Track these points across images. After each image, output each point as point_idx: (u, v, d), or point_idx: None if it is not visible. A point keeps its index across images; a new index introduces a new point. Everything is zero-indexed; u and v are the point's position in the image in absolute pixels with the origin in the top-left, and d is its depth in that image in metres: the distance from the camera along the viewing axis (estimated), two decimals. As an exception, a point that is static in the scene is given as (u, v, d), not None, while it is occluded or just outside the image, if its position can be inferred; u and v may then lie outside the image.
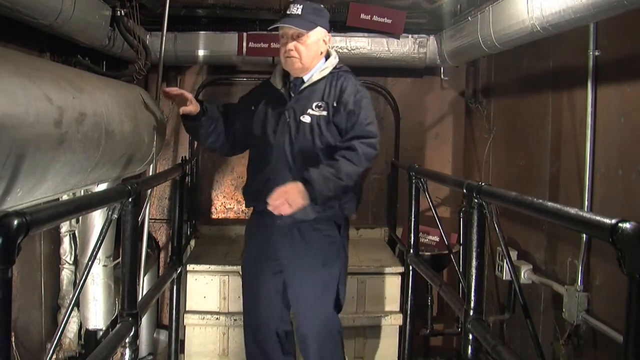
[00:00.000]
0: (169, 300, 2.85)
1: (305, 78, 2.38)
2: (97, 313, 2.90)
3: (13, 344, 2.39)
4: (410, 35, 3.87)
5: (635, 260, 1.01)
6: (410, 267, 2.80)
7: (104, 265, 2.88)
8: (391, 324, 3.43)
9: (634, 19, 2.10)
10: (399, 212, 4.03)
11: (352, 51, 3.85)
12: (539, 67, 3.07)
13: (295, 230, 2.36)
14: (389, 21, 3.70)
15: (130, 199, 1.67)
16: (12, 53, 1.56)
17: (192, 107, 2.33)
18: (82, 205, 1.41)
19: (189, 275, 3.37)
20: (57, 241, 2.98)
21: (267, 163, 2.37)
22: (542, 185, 2.95)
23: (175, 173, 2.69)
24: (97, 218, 2.78)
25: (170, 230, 3.58)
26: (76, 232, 2.97)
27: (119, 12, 2.72)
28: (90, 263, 1.46)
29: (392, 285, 3.46)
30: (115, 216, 1.63)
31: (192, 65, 4.11)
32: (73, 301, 1.42)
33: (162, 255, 4.17)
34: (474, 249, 1.84)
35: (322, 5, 2.41)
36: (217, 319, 3.34)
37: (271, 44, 3.70)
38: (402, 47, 3.88)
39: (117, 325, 1.73)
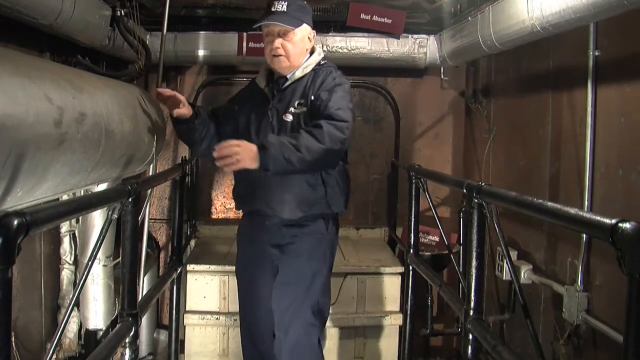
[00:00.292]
0: (169, 300, 2.85)
1: (289, 76, 2.33)
2: (97, 313, 2.90)
3: (13, 344, 2.39)
4: (410, 35, 3.87)
5: (635, 260, 1.01)
6: (410, 267, 2.80)
7: (104, 265, 2.88)
8: (391, 324, 3.43)
9: (634, 19, 2.10)
10: (399, 212, 4.03)
11: (352, 51, 3.85)
12: (539, 67, 3.07)
13: (282, 229, 2.33)
14: (389, 21, 3.70)
15: (130, 199, 1.67)
16: (12, 53, 1.56)
17: (185, 110, 2.26)
18: (82, 205, 1.41)
19: (189, 275, 3.37)
20: (57, 241, 2.98)
21: None
22: (542, 185, 2.95)
23: (175, 173, 2.69)
24: (97, 218, 2.78)
25: (170, 230, 3.58)
26: (76, 232, 2.97)
27: (119, 12, 2.72)
28: (90, 263, 1.46)
29: (392, 285, 3.47)
30: (115, 216, 1.63)
31: (192, 65, 4.11)
32: (73, 301, 1.42)
33: (162, 255, 4.17)
34: (474, 249, 1.84)
35: (305, 2, 2.35)
36: (217, 319, 3.34)
37: (271, 44, 3.69)
38: (402, 47, 3.88)
39: (117, 325, 1.73)
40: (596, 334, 2.38)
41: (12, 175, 1.28)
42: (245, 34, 3.78)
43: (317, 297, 2.33)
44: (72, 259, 3.01)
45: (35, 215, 1.05)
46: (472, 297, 1.85)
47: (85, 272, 1.47)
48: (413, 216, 2.80)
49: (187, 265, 3.36)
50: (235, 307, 3.27)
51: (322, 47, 3.73)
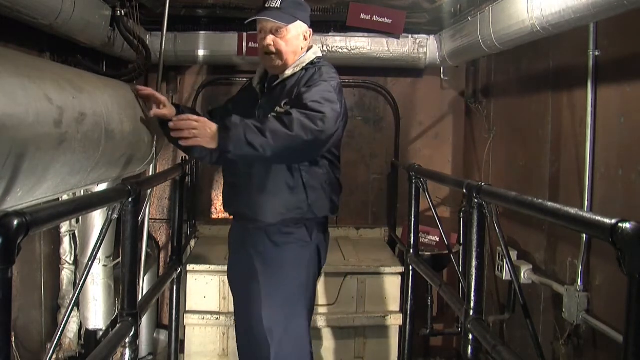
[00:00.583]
0: (169, 300, 2.85)
1: (280, 75, 2.23)
2: (97, 313, 2.91)
3: (13, 344, 2.39)
4: (410, 35, 3.87)
5: (635, 260, 1.01)
6: (410, 267, 2.80)
7: (104, 265, 2.89)
8: (391, 324, 3.43)
9: (634, 19, 2.10)
10: (399, 212, 4.03)
11: (352, 51, 3.85)
12: (539, 67, 3.07)
13: (265, 236, 2.23)
14: (389, 21, 3.70)
15: (130, 199, 1.67)
16: (12, 53, 1.56)
17: (166, 111, 2.11)
18: (82, 205, 1.41)
19: (189, 275, 3.37)
20: (57, 241, 2.98)
21: (235, 167, 2.26)
22: (542, 185, 2.95)
23: (175, 173, 2.69)
24: (97, 218, 2.79)
25: (170, 230, 3.58)
26: (76, 232, 2.98)
27: (119, 12, 2.72)
28: (90, 263, 1.46)
29: (392, 285, 3.47)
30: (115, 216, 1.63)
31: (192, 65, 4.11)
32: (73, 301, 1.42)
33: (162, 255, 4.17)
34: (474, 249, 1.84)
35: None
36: (217, 319, 3.34)
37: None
38: (402, 47, 3.88)
39: (117, 325, 1.73)
40: (596, 334, 2.38)
41: (12, 175, 1.28)
42: (245, 34, 3.78)
43: (302, 311, 2.25)
44: (72, 259, 3.01)
45: (35, 215, 1.05)
46: (472, 297, 1.85)
47: (85, 272, 1.47)
48: (413, 216, 2.80)
49: (187, 265, 3.35)
50: (235, 307, 3.29)
51: (322, 47, 3.73)
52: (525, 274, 2.87)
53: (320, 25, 3.75)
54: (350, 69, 3.87)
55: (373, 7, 3.66)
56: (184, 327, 3.30)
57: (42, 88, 1.41)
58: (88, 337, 3.07)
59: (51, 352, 1.41)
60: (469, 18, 3.16)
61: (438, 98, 4.31)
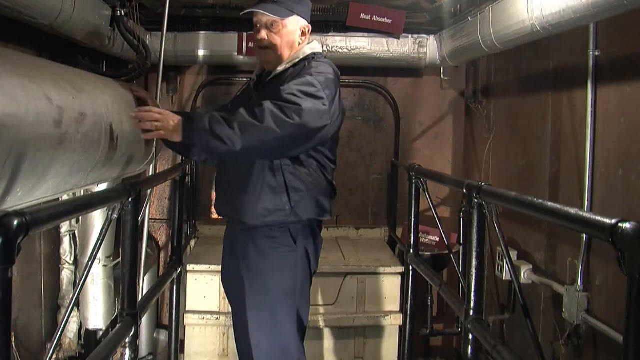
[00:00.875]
0: (169, 300, 2.85)
1: (274, 71, 2.15)
2: (97, 313, 2.91)
3: (13, 344, 2.39)
4: (410, 35, 3.87)
5: (635, 260, 1.01)
6: (410, 267, 2.80)
7: (104, 265, 2.89)
8: (391, 324, 3.43)
9: (634, 19, 2.10)
10: (399, 212, 4.03)
11: (352, 51, 3.85)
12: (539, 67, 3.07)
13: (250, 237, 2.15)
14: (389, 21, 3.70)
15: (130, 199, 1.67)
16: (12, 53, 1.56)
17: None
18: (82, 205, 1.41)
19: (189, 275, 3.37)
20: (57, 241, 2.98)
21: (223, 167, 2.23)
22: (542, 185, 2.95)
23: (175, 173, 2.69)
24: (97, 218, 2.79)
25: (170, 230, 3.58)
26: (76, 232, 2.98)
27: (119, 12, 2.71)
28: (90, 263, 1.46)
29: (392, 285, 3.47)
30: (115, 216, 1.63)
31: (192, 65, 4.10)
32: (73, 301, 1.42)
33: (162, 255, 4.17)
34: (474, 249, 1.84)
35: None
36: (217, 319, 3.34)
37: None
38: (402, 47, 3.88)
39: (117, 325, 1.73)
40: (596, 334, 2.38)
41: (12, 175, 1.28)
42: (245, 34, 3.78)
43: (287, 320, 2.14)
44: (72, 259, 3.01)
45: (35, 215, 1.05)
46: (472, 297, 1.85)
47: (85, 272, 1.47)
48: (413, 216, 2.80)
49: (187, 265, 3.35)
50: (235, 307, 3.29)
51: (322, 47, 3.72)
52: (525, 274, 2.87)
53: (320, 25, 3.75)
54: (350, 69, 3.87)
55: (373, 7, 3.66)
56: (184, 327, 3.30)
57: (42, 88, 1.41)
58: (88, 337, 3.07)
59: (51, 352, 1.41)
60: (469, 18, 3.16)
61: (438, 98, 4.31)
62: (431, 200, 2.62)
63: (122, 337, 1.70)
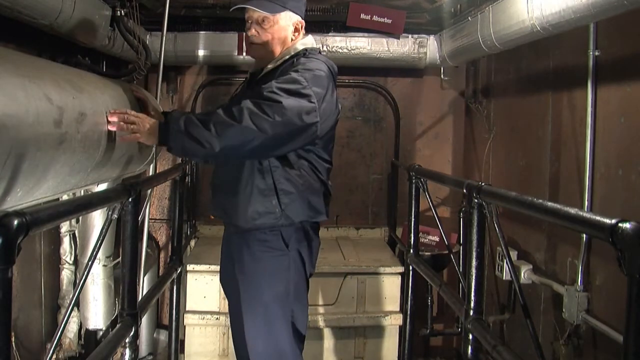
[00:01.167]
0: (169, 300, 2.85)
1: (265, 68, 2.10)
2: (97, 313, 2.91)
3: (13, 344, 2.39)
4: (410, 35, 3.87)
5: (635, 260, 1.01)
6: (410, 267, 2.80)
7: (104, 265, 2.89)
8: (391, 324, 3.43)
9: (634, 19, 2.10)
10: (399, 212, 4.03)
11: (352, 51, 3.85)
12: (539, 67, 3.07)
13: (243, 240, 2.11)
14: (389, 21, 3.70)
15: (130, 199, 1.67)
16: (12, 53, 1.56)
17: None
18: (82, 205, 1.41)
19: (189, 275, 3.37)
20: (57, 241, 2.98)
21: (218, 168, 2.21)
22: (542, 185, 2.95)
23: (175, 173, 2.69)
24: (97, 218, 2.79)
25: (170, 230, 3.58)
26: (76, 232, 2.98)
27: (119, 12, 2.71)
28: (90, 263, 1.46)
29: (392, 285, 3.47)
30: (115, 216, 1.63)
31: (192, 65, 4.10)
32: (73, 301, 1.42)
33: (162, 255, 4.17)
34: (474, 249, 1.84)
35: None
36: (217, 319, 3.34)
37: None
38: (402, 47, 3.88)
39: (117, 325, 1.73)
40: (596, 334, 2.38)
41: (12, 175, 1.28)
42: (245, 33, 3.77)
43: (282, 324, 2.10)
44: (72, 259, 3.01)
45: (35, 215, 1.05)
46: (472, 297, 1.85)
47: (85, 272, 1.47)
48: (413, 216, 2.80)
49: (187, 265, 3.35)
50: (235, 307, 3.29)
51: (322, 47, 3.73)
52: (525, 274, 2.87)
53: (320, 25, 3.75)
54: (350, 69, 3.87)
55: (373, 7, 3.66)
56: (184, 327, 3.30)
57: (42, 88, 1.41)
58: (88, 337, 3.07)
59: (51, 352, 1.41)
60: (469, 18, 3.16)
61: (438, 98, 4.31)
62: (431, 200, 2.62)
63: (122, 337, 1.70)
